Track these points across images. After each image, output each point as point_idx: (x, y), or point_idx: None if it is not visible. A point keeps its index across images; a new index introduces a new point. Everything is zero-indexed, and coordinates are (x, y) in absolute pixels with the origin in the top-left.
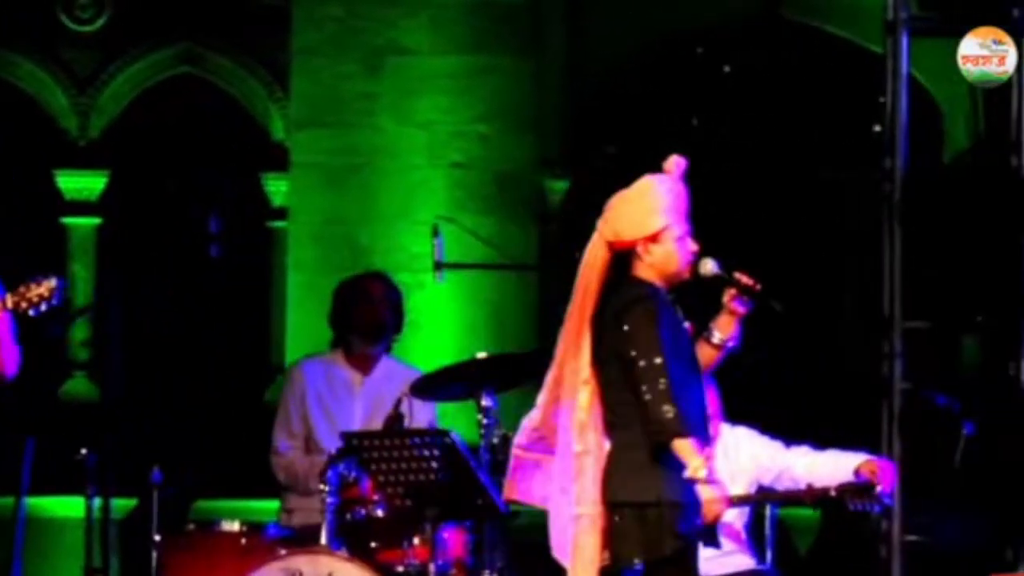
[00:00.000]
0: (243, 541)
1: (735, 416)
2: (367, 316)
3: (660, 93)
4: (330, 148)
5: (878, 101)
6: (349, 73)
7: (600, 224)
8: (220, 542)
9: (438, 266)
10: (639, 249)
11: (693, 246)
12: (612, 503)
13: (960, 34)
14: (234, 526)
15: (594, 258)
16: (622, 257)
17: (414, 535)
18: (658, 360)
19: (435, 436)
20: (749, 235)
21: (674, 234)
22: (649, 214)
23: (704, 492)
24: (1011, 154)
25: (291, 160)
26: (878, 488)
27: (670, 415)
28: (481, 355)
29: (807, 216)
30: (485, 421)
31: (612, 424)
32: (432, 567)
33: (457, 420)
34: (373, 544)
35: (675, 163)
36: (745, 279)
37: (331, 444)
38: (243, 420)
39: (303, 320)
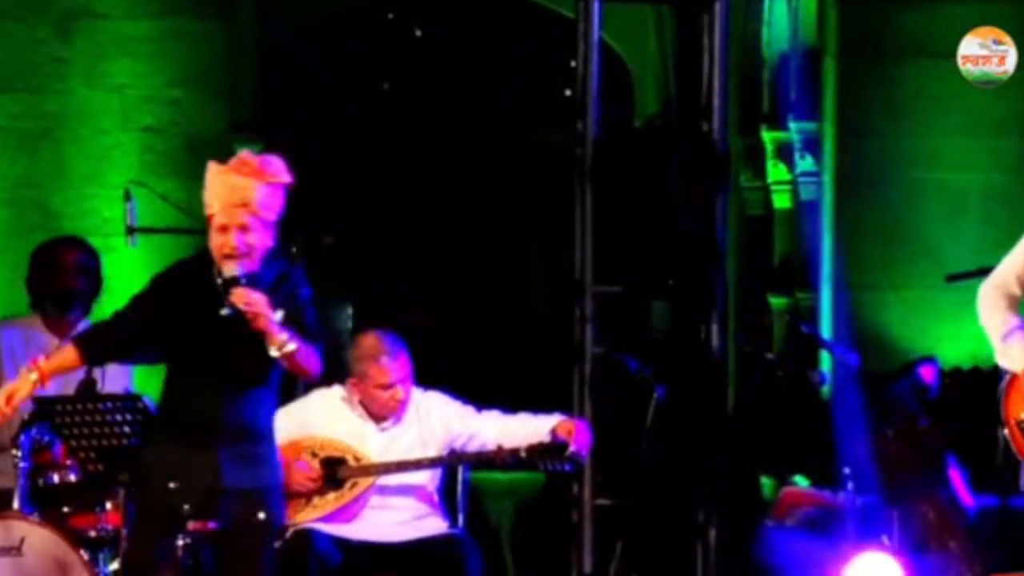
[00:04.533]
0: None
1: (426, 381)
2: (58, 284)
3: (351, 58)
4: (21, 112)
5: (570, 65)
6: (41, 37)
7: None
8: None
9: (130, 230)
10: None
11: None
12: None
13: (650, 1)
14: None
15: None
16: None
17: (107, 500)
18: None
19: (128, 401)
20: (440, 200)
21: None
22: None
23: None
24: (701, 119)
25: None
26: (571, 448)
27: None
28: None
29: (498, 179)
30: None
31: None
32: (124, 532)
33: (150, 384)
34: (66, 509)
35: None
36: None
37: (26, 408)
38: None
39: None
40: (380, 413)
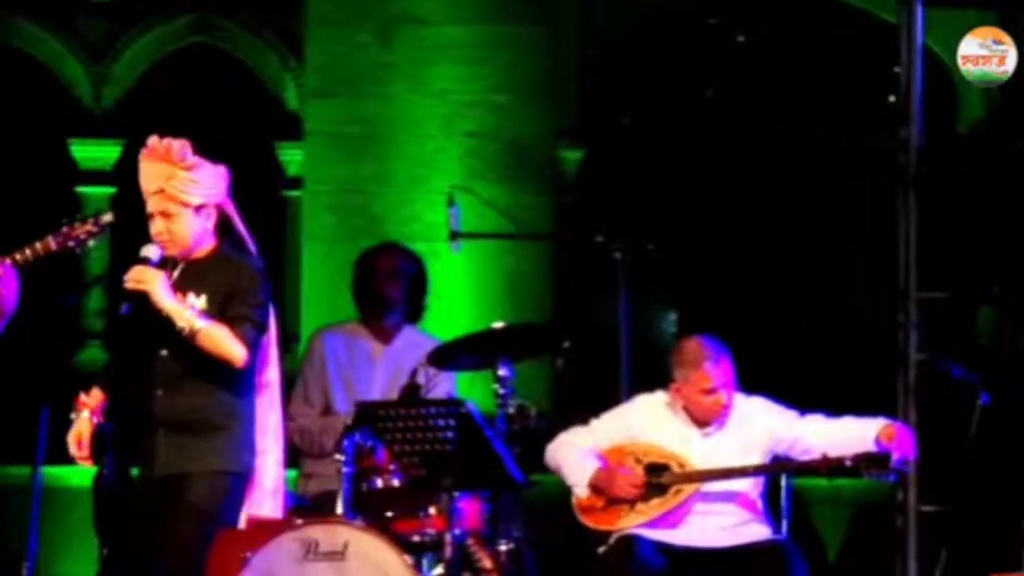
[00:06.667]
0: None
1: (749, 386)
2: (373, 289)
3: (674, 63)
4: (344, 117)
5: (893, 71)
6: (363, 42)
7: None
8: None
9: (454, 236)
10: None
11: None
12: None
13: (974, 5)
14: None
15: None
16: None
17: (430, 505)
18: None
19: (451, 406)
20: (765, 206)
21: None
22: None
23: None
24: None
25: (305, 129)
26: (894, 458)
27: None
28: (497, 325)
29: (823, 186)
30: (501, 391)
31: None
32: (448, 537)
33: (473, 390)
34: (389, 514)
35: None
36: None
37: (350, 412)
38: None
39: (318, 290)
40: (703, 418)
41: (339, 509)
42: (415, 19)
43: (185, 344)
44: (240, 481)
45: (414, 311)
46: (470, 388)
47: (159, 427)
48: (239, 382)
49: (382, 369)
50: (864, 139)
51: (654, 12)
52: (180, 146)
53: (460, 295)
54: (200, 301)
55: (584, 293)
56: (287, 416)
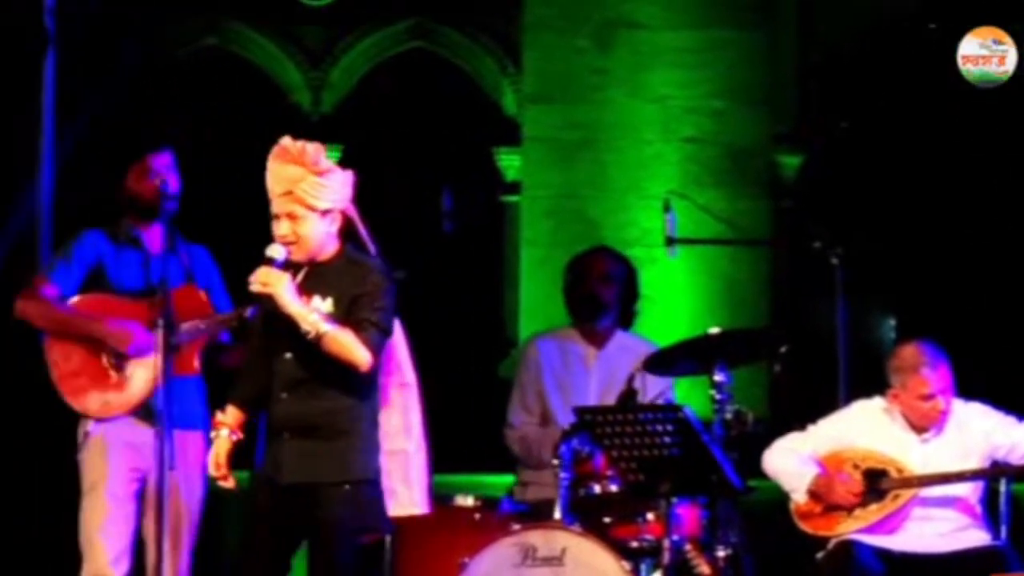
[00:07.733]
0: (477, 516)
1: (968, 392)
2: (584, 292)
3: (893, 68)
4: (562, 123)
5: None
6: (581, 48)
7: None
8: (454, 517)
9: (670, 241)
10: None
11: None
12: None
13: None
14: (468, 501)
15: None
16: None
17: (648, 511)
18: None
19: (668, 411)
20: (984, 211)
21: None
22: None
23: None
24: None
25: (523, 134)
26: None
27: None
28: (714, 330)
29: None
30: (718, 396)
31: None
32: (666, 542)
33: (691, 395)
34: (607, 519)
35: None
36: None
37: (566, 418)
38: (477, 394)
39: (536, 295)
40: (921, 424)
41: (557, 515)
42: (633, 24)
43: (310, 347)
44: (374, 486)
45: (626, 315)
46: (688, 394)
47: (283, 431)
48: (363, 386)
49: (596, 374)
50: None
51: (874, 17)
52: (315, 150)
53: (677, 301)
54: (327, 304)
55: (801, 299)
56: (505, 423)
